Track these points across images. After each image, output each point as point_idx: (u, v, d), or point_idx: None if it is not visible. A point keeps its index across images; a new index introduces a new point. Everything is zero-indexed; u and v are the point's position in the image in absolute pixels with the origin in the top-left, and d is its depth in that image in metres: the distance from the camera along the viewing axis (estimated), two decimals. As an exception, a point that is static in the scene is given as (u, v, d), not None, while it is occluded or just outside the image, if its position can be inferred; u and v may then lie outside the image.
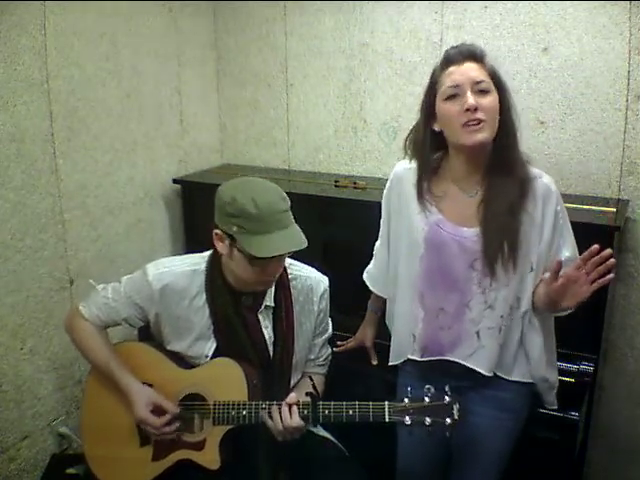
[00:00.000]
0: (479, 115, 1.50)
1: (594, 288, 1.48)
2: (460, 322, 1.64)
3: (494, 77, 1.55)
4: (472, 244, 1.59)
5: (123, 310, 1.76)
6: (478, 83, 1.52)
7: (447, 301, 1.64)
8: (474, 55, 1.55)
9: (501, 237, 1.56)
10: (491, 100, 1.52)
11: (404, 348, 1.73)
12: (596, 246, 1.45)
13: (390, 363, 1.81)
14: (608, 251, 1.43)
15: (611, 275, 1.45)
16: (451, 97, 1.53)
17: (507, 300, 1.61)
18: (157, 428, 1.65)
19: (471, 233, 1.59)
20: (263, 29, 2.79)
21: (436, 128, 1.59)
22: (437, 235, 1.62)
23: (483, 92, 1.52)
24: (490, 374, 1.64)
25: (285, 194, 1.62)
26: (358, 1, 2.57)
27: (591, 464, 2.48)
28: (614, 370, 2.40)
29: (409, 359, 1.72)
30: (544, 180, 1.59)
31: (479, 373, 1.63)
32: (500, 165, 1.57)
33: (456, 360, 1.65)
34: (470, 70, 1.53)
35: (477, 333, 1.63)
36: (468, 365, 1.64)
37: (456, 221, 1.61)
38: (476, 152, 1.57)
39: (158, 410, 1.67)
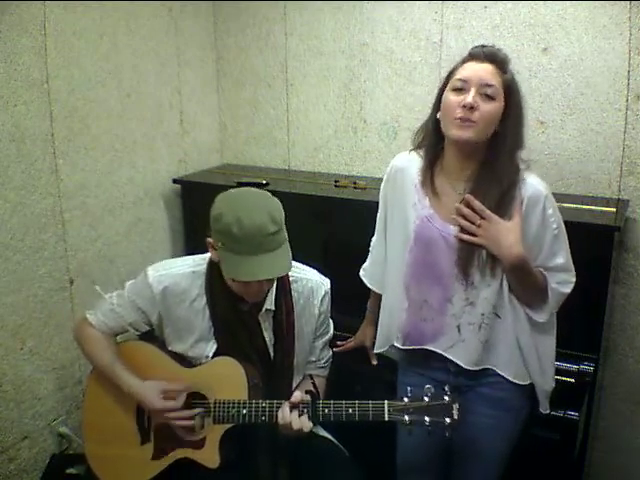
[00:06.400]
0: (472, 115, 1.50)
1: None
2: (442, 315, 1.66)
3: (508, 87, 1.54)
4: (456, 242, 1.60)
5: (128, 315, 1.76)
6: (486, 86, 1.51)
7: (431, 294, 1.66)
8: (495, 59, 1.55)
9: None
10: (492, 107, 1.52)
11: (388, 336, 1.78)
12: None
13: (375, 351, 1.86)
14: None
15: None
16: (457, 90, 1.54)
17: (489, 299, 1.61)
18: (178, 410, 1.66)
19: (456, 231, 1.60)
20: (263, 29, 2.79)
21: (438, 116, 1.59)
22: (426, 229, 1.64)
23: (488, 97, 1.51)
24: (470, 367, 1.65)
25: (278, 214, 1.55)
26: (358, 1, 2.57)
27: (591, 464, 2.48)
28: (614, 370, 2.40)
29: (393, 346, 1.75)
30: (533, 182, 1.57)
31: (459, 365, 1.65)
32: (489, 170, 1.57)
33: (436, 350, 1.68)
34: (485, 71, 1.53)
35: (458, 327, 1.65)
36: (448, 356, 1.67)
37: (445, 217, 1.62)
38: (465, 149, 1.57)
39: (169, 397, 1.68)
